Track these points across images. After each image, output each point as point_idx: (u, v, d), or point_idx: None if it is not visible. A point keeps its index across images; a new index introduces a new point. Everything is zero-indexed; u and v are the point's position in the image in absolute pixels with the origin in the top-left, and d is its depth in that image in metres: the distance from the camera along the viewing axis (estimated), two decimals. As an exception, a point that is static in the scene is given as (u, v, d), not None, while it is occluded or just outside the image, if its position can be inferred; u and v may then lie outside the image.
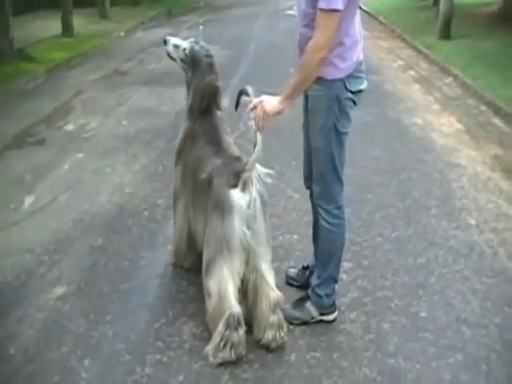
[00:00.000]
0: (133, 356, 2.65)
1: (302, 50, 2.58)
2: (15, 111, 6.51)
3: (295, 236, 3.74)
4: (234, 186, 2.51)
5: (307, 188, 2.96)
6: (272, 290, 2.60)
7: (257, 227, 2.53)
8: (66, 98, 7.06)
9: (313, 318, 2.88)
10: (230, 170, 2.58)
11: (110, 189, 4.44)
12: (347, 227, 3.82)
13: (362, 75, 2.67)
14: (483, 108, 6.61)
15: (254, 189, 2.50)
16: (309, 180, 2.88)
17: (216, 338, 2.53)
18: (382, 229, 3.87)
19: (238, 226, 2.47)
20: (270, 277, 2.62)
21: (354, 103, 2.66)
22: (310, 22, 2.50)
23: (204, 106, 2.90)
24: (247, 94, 2.64)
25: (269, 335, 2.61)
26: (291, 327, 2.84)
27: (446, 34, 9.98)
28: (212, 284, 2.51)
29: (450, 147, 5.46)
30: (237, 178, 2.52)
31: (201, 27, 3.47)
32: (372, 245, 3.67)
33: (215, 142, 2.82)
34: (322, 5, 2.36)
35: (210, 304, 2.54)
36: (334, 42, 2.45)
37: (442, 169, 4.93)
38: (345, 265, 3.42)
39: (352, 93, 2.60)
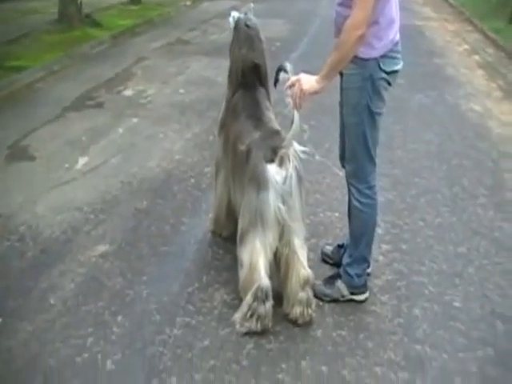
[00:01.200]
0: (163, 317, 2.76)
1: (337, 29, 2.55)
2: (78, 75, 6.74)
3: (336, 214, 3.73)
4: (271, 160, 2.53)
5: (342, 166, 2.95)
6: (303, 267, 2.63)
7: (292, 203, 2.55)
8: (128, 64, 7.22)
9: (343, 296, 2.90)
10: (267, 144, 2.60)
11: (160, 155, 4.55)
12: (392, 209, 3.82)
13: (398, 56, 2.63)
14: (549, 98, 6.32)
15: (291, 165, 2.52)
16: (343, 159, 2.88)
17: (244, 307, 2.59)
18: (426, 214, 3.81)
19: (272, 201, 2.50)
20: (302, 253, 2.64)
21: (389, 84, 2.63)
22: (345, 1, 2.48)
23: (239, 78, 2.91)
24: (286, 71, 2.64)
25: (297, 311, 2.66)
26: (321, 303, 2.87)
27: (516, 18, 9.52)
28: (244, 254, 2.56)
29: (506, 136, 5.26)
30: (274, 153, 2.54)
31: (251, 4, 3.45)
32: (413, 229, 3.62)
33: (256, 116, 2.83)
34: None
35: (242, 273, 2.60)
36: (370, 21, 2.41)
37: (495, 158, 4.77)
38: (383, 246, 3.41)
39: (386, 73, 2.57)
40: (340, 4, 2.54)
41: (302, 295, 2.63)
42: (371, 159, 2.73)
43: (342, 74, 2.67)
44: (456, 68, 7.56)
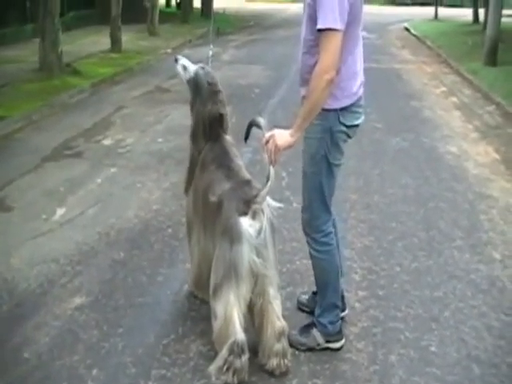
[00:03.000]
0: (138, 369, 2.72)
1: (303, 78, 2.62)
2: (57, 124, 6.80)
3: (313, 261, 3.75)
4: (244, 213, 2.55)
5: None
6: (278, 319, 2.62)
7: (266, 255, 2.56)
8: (107, 112, 7.32)
9: (319, 344, 2.89)
10: (239, 195, 2.62)
11: (137, 204, 4.57)
12: (369, 254, 3.84)
13: (360, 110, 2.70)
14: (524, 139, 6.48)
15: (265, 217, 2.54)
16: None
17: (219, 361, 2.56)
18: (403, 259, 3.84)
19: (246, 254, 2.51)
20: (276, 304, 2.64)
21: (349, 136, 2.69)
22: (309, 49, 2.55)
23: (206, 132, 2.95)
24: (258, 127, 2.70)
25: (273, 362, 2.64)
26: (296, 352, 2.86)
27: (491, 60, 9.82)
28: (218, 307, 2.55)
29: (483, 177, 5.38)
30: (246, 205, 2.55)
31: (210, 52, 3.52)
32: (390, 274, 3.65)
33: (225, 164, 2.86)
34: (319, 25, 2.40)
35: (216, 325, 2.59)
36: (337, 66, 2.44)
37: (471, 200, 4.85)
38: (359, 293, 3.43)
39: (346, 126, 2.63)
40: (305, 53, 2.60)
41: (278, 347, 2.62)
42: (326, 209, 2.76)
43: None
44: (433, 110, 7.76)
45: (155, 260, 3.72)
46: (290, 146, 2.57)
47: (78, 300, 3.28)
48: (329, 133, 2.60)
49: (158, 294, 3.35)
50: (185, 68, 3.07)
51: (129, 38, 12.07)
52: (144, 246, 3.89)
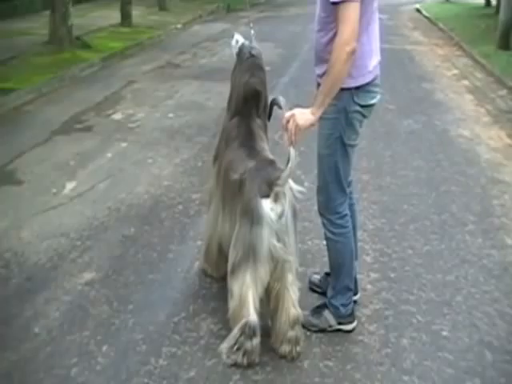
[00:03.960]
0: (149, 347, 2.72)
1: (318, 57, 2.58)
2: (67, 98, 6.75)
3: (324, 242, 3.71)
4: (266, 195, 2.50)
5: None
6: (293, 306, 2.60)
7: (287, 240, 2.52)
8: (118, 87, 7.24)
9: (330, 326, 2.87)
10: (262, 176, 2.56)
11: (148, 180, 4.54)
12: (380, 236, 3.81)
13: (376, 89, 2.64)
14: (537, 123, 6.38)
15: (287, 201, 2.49)
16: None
17: (231, 340, 2.56)
18: (414, 242, 3.81)
19: (266, 237, 2.47)
20: (293, 291, 2.61)
21: (364, 116, 2.64)
22: (323, 27, 2.50)
23: (238, 105, 2.89)
24: (279, 107, 2.64)
25: (285, 349, 2.63)
26: (308, 333, 2.84)
27: (505, 43, 9.64)
28: (235, 287, 2.53)
29: (495, 162, 5.30)
30: (269, 187, 2.50)
31: (252, 31, 3.45)
32: (402, 257, 3.61)
33: (249, 144, 2.81)
34: None
35: (232, 304, 2.57)
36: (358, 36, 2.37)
37: (484, 184, 4.79)
38: (371, 275, 3.40)
39: (361, 106, 2.58)
40: (319, 30, 2.54)
41: (291, 334, 2.61)
42: (342, 190, 2.72)
43: None
44: (445, 93, 7.64)
45: (166, 237, 3.69)
46: (311, 125, 2.51)
47: (88, 275, 3.27)
48: (343, 113, 2.56)
49: (169, 271, 3.33)
50: (236, 42, 3.02)
51: (139, 12, 11.93)
52: (154, 223, 3.87)
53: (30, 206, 4.07)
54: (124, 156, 5.04)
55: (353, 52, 2.36)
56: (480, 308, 3.16)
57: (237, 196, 2.61)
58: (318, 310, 2.92)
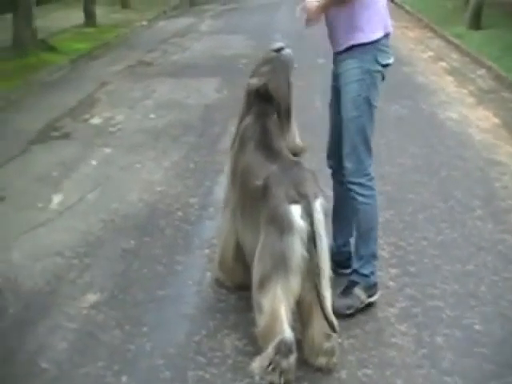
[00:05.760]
0: (173, 372, 2.50)
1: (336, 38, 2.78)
2: (39, 104, 6.39)
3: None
4: (295, 201, 2.32)
5: (330, 167, 3.05)
6: (328, 316, 2.41)
7: (319, 248, 2.33)
8: (90, 89, 6.92)
9: (362, 302, 2.88)
10: (289, 179, 2.38)
11: (140, 187, 4.29)
12: (392, 229, 3.70)
13: (389, 49, 2.79)
14: (520, 101, 6.34)
15: (318, 204, 2.33)
16: (333, 158, 2.98)
17: (265, 360, 2.35)
18: (427, 232, 3.67)
19: (298, 247, 2.29)
20: (327, 298, 2.41)
21: (383, 77, 2.79)
22: None
23: (249, 102, 2.74)
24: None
25: (322, 361, 2.47)
26: (340, 340, 2.65)
27: (476, 23, 9.62)
28: (265, 302, 2.33)
29: (488, 143, 5.23)
30: (297, 191, 2.33)
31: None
32: (417, 249, 3.48)
33: (266, 145, 2.62)
34: None
35: (261, 320, 2.37)
36: (361, 5, 2.65)
37: (482, 167, 4.70)
38: (391, 271, 3.26)
39: (382, 66, 2.74)
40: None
41: (328, 345, 2.44)
42: (370, 152, 2.83)
43: (336, 75, 2.84)
44: (425, 75, 7.55)
45: (169, 247, 3.46)
46: (315, 13, 2.68)
47: (91, 297, 3.02)
48: (368, 74, 2.70)
49: (179, 284, 3.11)
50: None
51: (102, 11, 11.49)
52: (154, 232, 3.63)
53: (15, 225, 3.77)
54: (109, 162, 4.77)
55: None
56: (505, 296, 3.06)
57: (260, 202, 2.42)
58: (347, 291, 2.89)
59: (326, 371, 2.49)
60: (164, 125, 5.63)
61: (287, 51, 2.79)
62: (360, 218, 2.86)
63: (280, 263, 2.28)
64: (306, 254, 2.30)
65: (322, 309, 2.34)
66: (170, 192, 4.19)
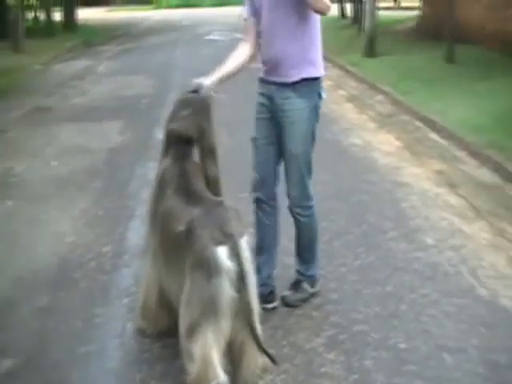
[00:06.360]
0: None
1: (282, 68, 2.89)
2: None
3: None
4: (221, 242, 2.27)
5: (257, 200, 3.12)
6: (260, 355, 2.39)
7: (248, 287, 2.29)
8: (-14, 139, 6.56)
9: (309, 293, 3.22)
10: (213, 220, 2.34)
11: (48, 239, 4.06)
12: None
13: None
14: (418, 124, 6.73)
15: (244, 242, 2.30)
16: (262, 190, 3.07)
17: None
18: (344, 258, 3.75)
19: (227, 289, 2.24)
20: (261, 335, 2.38)
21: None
22: (294, 34, 2.84)
23: (168, 147, 2.70)
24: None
25: None
26: (271, 377, 2.62)
27: (370, 51, 10.22)
28: (196, 349, 2.25)
29: (393, 166, 5.48)
30: (222, 231, 2.29)
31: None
32: (337, 276, 3.53)
33: (185, 188, 2.57)
34: None
35: (193, 368, 2.28)
36: (311, 40, 2.88)
37: (389, 189, 4.91)
38: (313, 301, 3.28)
39: (321, 99, 2.97)
40: (286, 39, 2.82)
41: None
42: (311, 177, 3.08)
43: (279, 111, 2.91)
44: (326, 104, 7.71)
45: (86, 300, 3.29)
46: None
47: (5, 363, 2.77)
48: (314, 110, 2.92)
49: (101, 338, 2.95)
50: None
51: (-9, 57, 11.08)
52: (69, 286, 3.44)
53: None
54: (13, 216, 4.50)
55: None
56: (425, 312, 3.17)
57: (184, 248, 2.35)
58: (296, 285, 3.20)
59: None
60: (68, 172, 5.41)
61: (205, 90, 2.77)
62: (304, 233, 3.16)
63: (209, 308, 2.23)
64: (235, 294, 2.25)
65: (259, 344, 2.30)
66: (80, 242, 3.99)
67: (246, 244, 2.31)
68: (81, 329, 3.03)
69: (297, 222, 3.12)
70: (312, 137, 2.97)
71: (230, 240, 2.27)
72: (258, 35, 2.95)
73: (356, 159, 5.66)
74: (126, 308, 3.18)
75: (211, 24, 18.79)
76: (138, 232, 4.11)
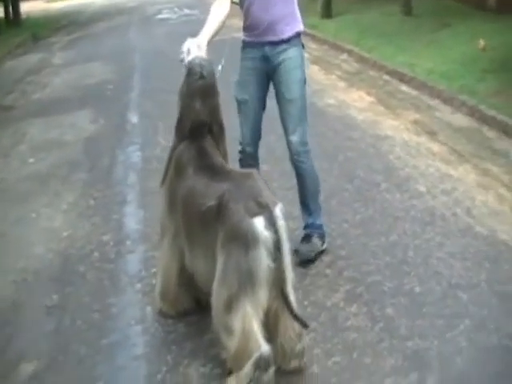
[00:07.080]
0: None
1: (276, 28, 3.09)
2: None
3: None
4: (257, 213, 2.25)
5: (248, 154, 3.29)
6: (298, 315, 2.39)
7: (284, 256, 2.29)
8: (-47, 145, 6.31)
9: (319, 248, 3.31)
10: (245, 192, 2.32)
11: (43, 237, 3.96)
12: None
13: None
14: (387, 77, 6.78)
15: (279, 214, 2.27)
16: (253, 145, 3.30)
17: (242, 379, 2.25)
18: (344, 214, 3.79)
19: (264, 260, 2.22)
20: (293, 304, 2.38)
21: None
22: None
23: (187, 131, 2.65)
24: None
25: (295, 364, 2.44)
26: (307, 341, 2.62)
27: (327, 12, 10.19)
28: (235, 323, 2.23)
29: (370, 120, 5.52)
30: (256, 202, 2.26)
31: (220, 66, 3.20)
32: (341, 233, 3.58)
33: (207, 166, 2.54)
34: None
35: (233, 342, 2.26)
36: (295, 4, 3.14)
37: (373, 143, 4.95)
38: (324, 259, 3.32)
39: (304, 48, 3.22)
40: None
41: (299, 347, 2.41)
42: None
43: (275, 63, 3.11)
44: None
45: (97, 292, 3.23)
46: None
47: (28, 367, 2.70)
48: (304, 59, 3.17)
49: (122, 327, 2.91)
50: (188, 52, 2.77)
51: None
52: (76, 281, 3.37)
53: None
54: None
55: None
56: (432, 255, 3.25)
57: (213, 224, 2.32)
58: (307, 239, 3.30)
59: (299, 371, 2.47)
60: (48, 167, 5.26)
61: (208, 70, 2.70)
62: (308, 181, 3.29)
63: (247, 280, 2.21)
64: (272, 264, 2.25)
65: (291, 311, 2.30)
66: (78, 234, 3.91)
67: (280, 212, 2.29)
68: (98, 321, 2.98)
69: (300, 171, 3.27)
70: (305, 83, 3.18)
71: (266, 210, 2.25)
72: (245, 3, 3.08)
73: (334, 118, 5.67)
74: (141, 293, 3.15)
75: (158, 3, 18.34)
76: (134, 217, 4.07)
